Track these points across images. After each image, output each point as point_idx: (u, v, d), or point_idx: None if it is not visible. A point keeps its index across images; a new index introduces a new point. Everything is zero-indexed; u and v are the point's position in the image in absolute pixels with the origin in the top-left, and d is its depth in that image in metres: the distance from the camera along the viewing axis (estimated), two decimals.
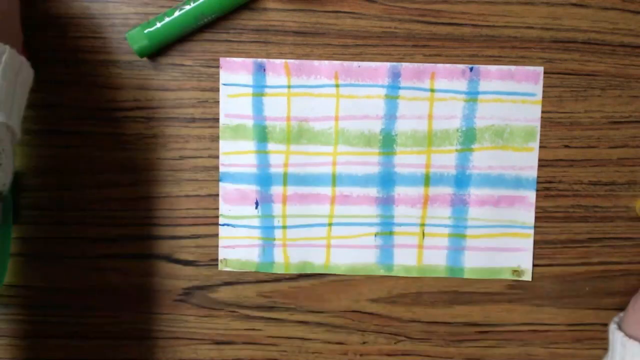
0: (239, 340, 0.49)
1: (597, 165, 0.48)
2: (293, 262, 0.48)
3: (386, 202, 0.48)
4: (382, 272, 0.48)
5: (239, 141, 0.47)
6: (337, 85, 0.47)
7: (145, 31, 0.44)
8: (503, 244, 0.48)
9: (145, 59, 0.46)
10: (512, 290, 0.48)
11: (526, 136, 0.47)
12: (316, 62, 0.47)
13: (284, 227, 0.48)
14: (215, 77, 0.47)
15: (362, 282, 0.49)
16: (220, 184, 0.48)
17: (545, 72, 0.47)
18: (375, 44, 0.46)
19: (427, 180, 0.47)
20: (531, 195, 0.47)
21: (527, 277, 0.48)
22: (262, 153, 0.47)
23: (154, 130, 0.47)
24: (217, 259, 0.48)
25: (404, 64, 0.46)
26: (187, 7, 0.44)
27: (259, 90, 0.47)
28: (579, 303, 0.49)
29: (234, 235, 0.48)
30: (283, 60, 0.47)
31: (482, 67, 0.46)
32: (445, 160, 0.47)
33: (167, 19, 0.44)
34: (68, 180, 0.47)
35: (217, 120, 0.47)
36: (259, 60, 0.47)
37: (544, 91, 0.47)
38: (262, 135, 0.47)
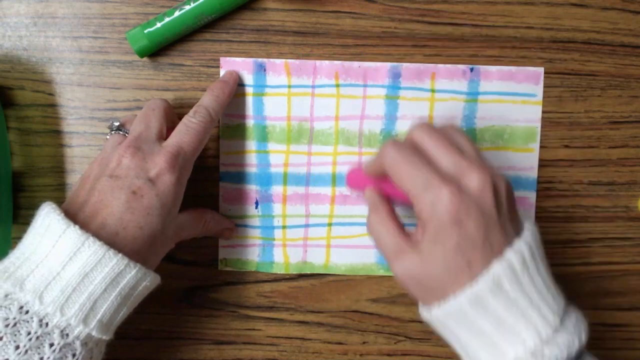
0: (239, 340, 0.49)
1: (597, 165, 0.48)
2: (293, 262, 0.48)
3: None
4: (382, 272, 0.48)
5: (239, 141, 0.47)
6: (337, 85, 0.47)
7: (145, 31, 0.44)
8: None
9: (145, 59, 0.46)
10: None
11: (526, 137, 0.47)
12: (316, 62, 0.46)
13: (284, 227, 0.48)
14: (215, 77, 0.47)
15: (362, 282, 0.48)
16: (220, 183, 0.48)
17: (545, 72, 0.47)
18: (375, 44, 0.46)
19: None
20: (531, 195, 0.47)
21: None
22: (262, 153, 0.47)
23: None
24: (217, 259, 0.48)
25: (405, 64, 0.46)
26: (187, 7, 0.44)
27: (259, 90, 0.47)
28: (579, 303, 0.49)
29: (234, 234, 0.48)
30: (283, 60, 0.46)
31: (483, 68, 0.46)
32: None
33: (167, 19, 0.44)
34: (68, 180, 0.47)
35: None
36: (259, 60, 0.46)
37: (543, 91, 0.47)
38: (262, 135, 0.47)
